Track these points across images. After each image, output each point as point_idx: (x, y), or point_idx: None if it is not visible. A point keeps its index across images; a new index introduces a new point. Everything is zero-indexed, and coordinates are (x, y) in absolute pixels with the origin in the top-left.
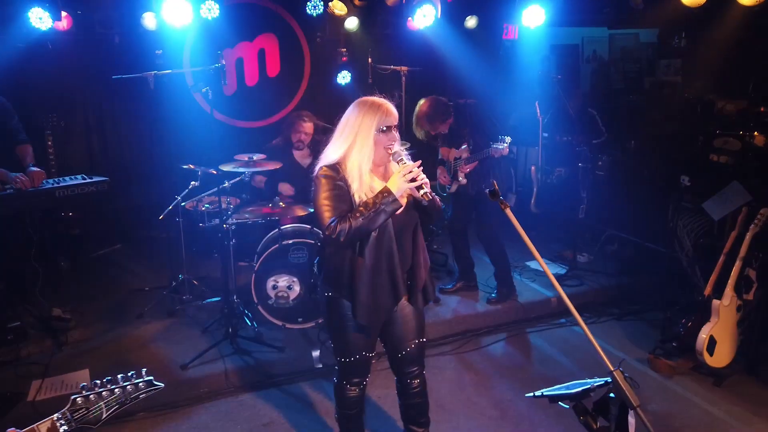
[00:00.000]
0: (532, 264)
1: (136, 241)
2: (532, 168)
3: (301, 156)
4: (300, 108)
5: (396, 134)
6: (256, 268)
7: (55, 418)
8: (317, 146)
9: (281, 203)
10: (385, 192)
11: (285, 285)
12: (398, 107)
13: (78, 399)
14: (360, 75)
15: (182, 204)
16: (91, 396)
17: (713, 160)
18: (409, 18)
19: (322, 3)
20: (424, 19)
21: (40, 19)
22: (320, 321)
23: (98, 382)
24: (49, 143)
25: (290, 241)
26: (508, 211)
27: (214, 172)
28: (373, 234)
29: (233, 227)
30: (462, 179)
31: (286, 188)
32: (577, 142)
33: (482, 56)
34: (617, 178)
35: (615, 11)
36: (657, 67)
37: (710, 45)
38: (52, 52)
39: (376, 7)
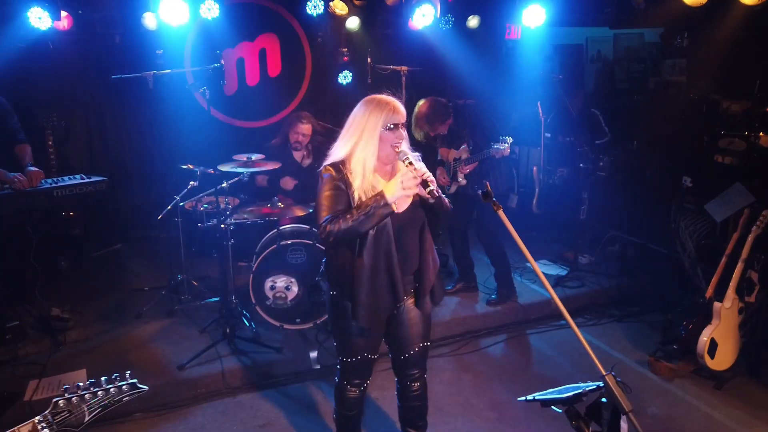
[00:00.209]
0: None
1: (136, 240)
2: (534, 168)
3: (299, 156)
4: (301, 108)
5: (403, 133)
6: (254, 269)
7: (36, 421)
8: (318, 147)
9: (280, 204)
10: (379, 196)
11: (283, 286)
12: None
13: (60, 402)
14: (361, 75)
15: (181, 204)
16: (74, 399)
17: (718, 161)
18: (410, 18)
19: (322, 3)
20: (423, 18)
21: (39, 18)
22: (318, 322)
23: (81, 384)
24: (50, 143)
25: (288, 242)
26: (501, 213)
27: (213, 172)
28: (372, 233)
29: (232, 227)
30: (461, 180)
31: (287, 181)
32: (580, 142)
33: (484, 56)
34: (619, 179)
35: (616, 11)
36: (662, 67)
37: (714, 45)
38: (53, 52)
39: (376, 6)
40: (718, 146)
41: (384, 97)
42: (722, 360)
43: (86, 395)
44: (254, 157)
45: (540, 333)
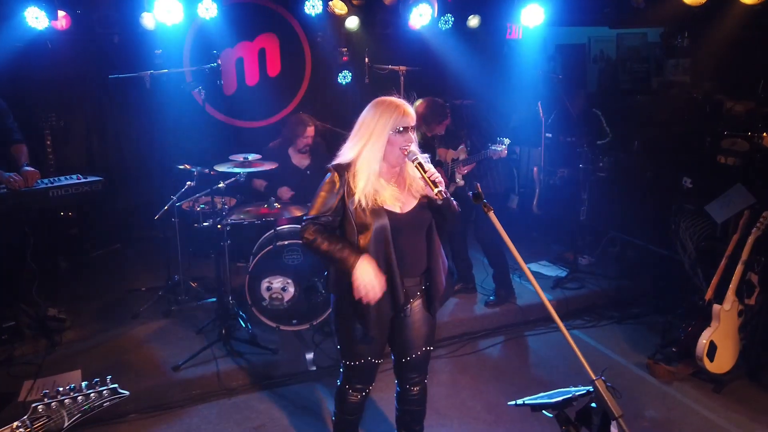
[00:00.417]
0: (533, 266)
1: (134, 241)
2: (535, 169)
3: (299, 158)
4: (301, 107)
5: (413, 136)
6: (249, 269)
7: (15, 426)
8: (315, 148)
9: (276, 204)
10: (352, 261)
11: (279, 286)
12: None
13: (39, 407)
14: (360, 75)
15: (178, 204)
16: (53, 404)
17: (720, 162)
18: (408, 18)
19: (321, 2)
20: (420, 18)
21: (36, 18)
22: (315, 323)
23: (61, 389)
24: (48, 143)
25: (285, 243)
26: (492, 215)
27: (211, 173)
28: (370, 236)
29: (228, 228)
30: (459, 181)
31: (284, 192)
32: (581, 143)
33: (485, 56)
34: (619, 180)
35: (616, 10)
36: (665, 67)
37: (717, 44)
38: (52, 52)
39: (375, 6)
40: (721, 147)
41: (393, 99)
42: (721, 363)
43: (66, 400)
44: (251, 157)
45: (538, 335)
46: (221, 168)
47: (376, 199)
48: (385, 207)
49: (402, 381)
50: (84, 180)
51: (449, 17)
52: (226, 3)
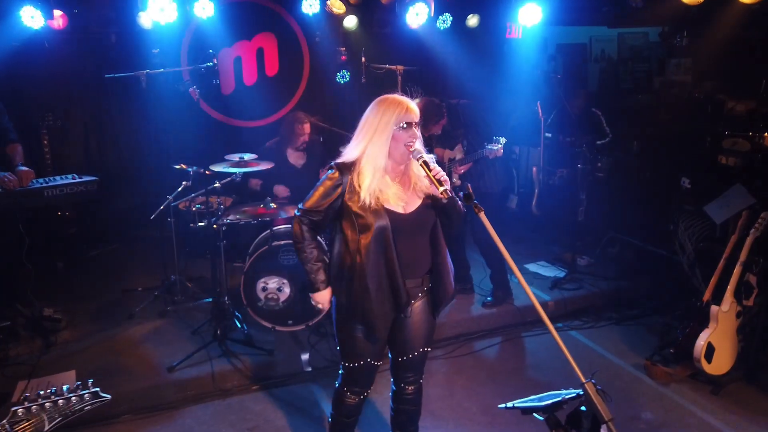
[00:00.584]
0: (531, 267)
1: (132, 240)
2: (534, 169)
3: (296, 157)
4: (299, 107)
5: (417, 132)
6: (245, 270)
7: None
8: (312, 146)
9: (272, 204)
10: (318, 287)
11: (275, 287)
12: None
13: (19, 410)
14: (359, 74)
15: (174, 204)
16: (33, 407)
17: (722, 162)
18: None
19: (319, 2)
20: (417, 17)
21: (32, 17)
22: (310, 324)
23: (41, 392)
24: (45, 142)
25: (280, 243)
26: (482, 216)
27: (207, 173)
28: (370, 236)
29: (224, 228)
30: (456, 180)
31: (281, 190)
32: (580, 143)
33: (484, 55)
34: (617, 180)
35: (614, 10)
36: (667, 66)
37: (718, 44)
38: (49, 51)
39: (373, 5)
40: (722, 147)
41: (396, 96)
42: (719, 365)
43: (46, 404)
44: (247, 156)
45: (535, 336)
46: (217, 168)
47: (378, 198)
48: (388, 207)
49: (398, 380)
50: (79, 180)
51: (447, 16)
52: (224, 2)
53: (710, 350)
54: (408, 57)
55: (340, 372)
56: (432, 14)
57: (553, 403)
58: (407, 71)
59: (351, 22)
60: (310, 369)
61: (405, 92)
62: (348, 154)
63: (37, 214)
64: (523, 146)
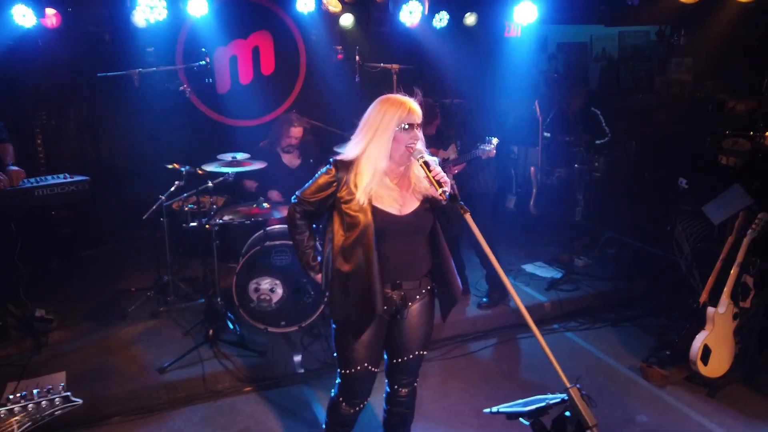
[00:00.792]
0: (527, 267)
1: (127, 240)
2: (532, 169)
3: (289, 159)
4: (296, 106)
5: (418, 133)
6: (237, 271)
7: None
8: (307, 147)
9: (265, 204)
10: (314, 267)
11: (267, 288)
12: None
13: None
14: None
15: (167, 204)
16: (2, 412)
17: (722, 162)
18: (398, 15)
19: (314, 0)
20: (410, 16)
21: (23, 16)
22: (303, 325)
23: (11, 397)
24: (39, 141)
25: (273, 243)
26: (468, 217)
27: (200, 172)
28: (354, 236)
29: (216, 228)
30: (451, 181)
31: (274, 195)
32: (578, 142)
33: (482, 54)
34: (615, 180)
35: (611, 8)
36: (668, 65)
37: (718, 43)
38: (42, 50)
39: (368, 4)
40: (722, 147)
41: (398, 96)
42: (716, 367)
43: (15, 408)
44: (239, 156)
45: (531, 337)
46: (209, 167)
47: (371, 199)
48: (382, 208)
49: (392, 382)
50: (70, 180)
51: (444, 15)
52: (219, 0)
53: (706, 352)
54: (406, 56)
55: (336, 381)
56: (426, 12)
57: (537, 408)
58: (403, 70)
59: (347, 20)
60: (302, 371)
61: (405, 91)
62: (348, 152)
63: (30, 213)
64: (522, 146)
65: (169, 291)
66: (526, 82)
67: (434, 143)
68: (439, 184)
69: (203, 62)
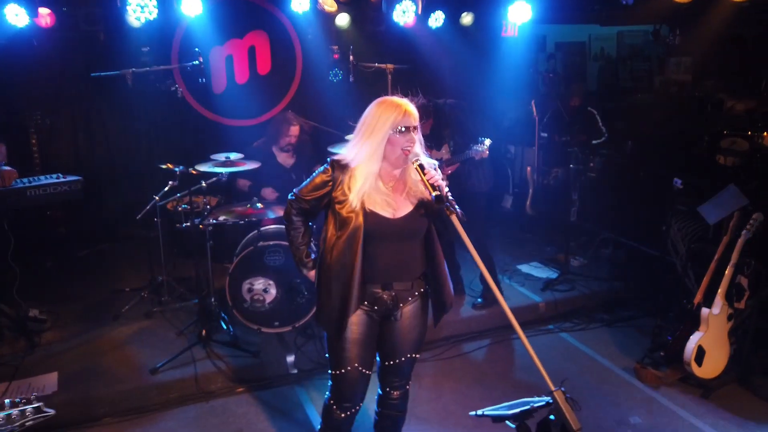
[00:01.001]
0: (523, 267)
1: (123, 240)
2: (528, 169)
3: (284, 157)
4: (292, 105)
5: (415, 136)
6: (230, 271)
7: None
8: (302, 146)
9: (259, 204)
10: (306, 263)
11: (261, 288)
12: None
13: None
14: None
15: (161, 204)
16: None
17: (720, 162)
18: (392, 15)
19: (309, 0)
20: (404, 15)
21: (16, 15)
22: (297, 325)
23: None
24: (33, 141)
25: (267, 243)
26: (454, 218)
27: (194, 172)
28: (344, 236)
29: (210, 228)
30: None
31: (268, 193)
32: (575, 142)
33: (479, 54)
34: (611, 180)
35: (606, 7)
36: (667, 65)
37: (712, 42)
38: (37, 49)
39: (364, 3)
40: (721, 146)
41: (395, 99)
42: (710, 368)
43: None
44: (233, 156)
45: (526, 337)
46: (202, 168)
47: (365, 201)
48: (375, 211)
49: (384, 384)
50: (63, 179)
51: (440, 14)
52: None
53: (701, 353)
54: (402, 55)
55: (329, 383)
56: (419, 12)
57: (522, 411)
58: (398, 70)
59: (343, 20)
60: (295, 371)
61: (402, 93)
62: (345, 154)
63: (25, 213)
64: (518, 146)
65: (164, 291)
66: (524, 82)
67: (429, 143)
68: (433, 187)
69: (196, 62)
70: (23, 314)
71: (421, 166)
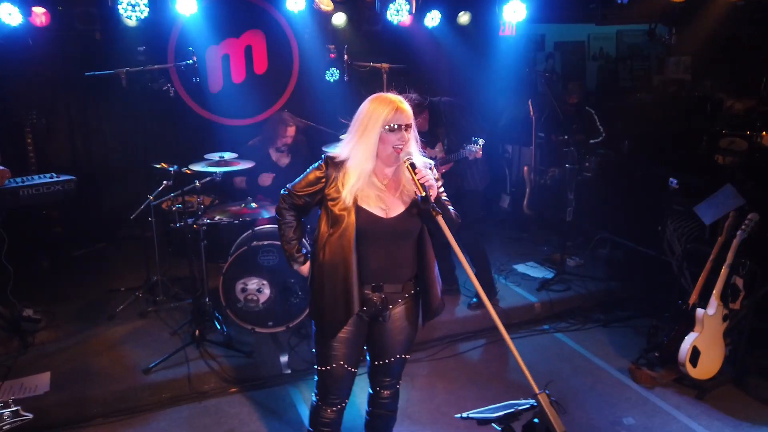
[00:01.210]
0: (519, 267)
1: (118, 240)
2: (525, 168)
3: (279, 157)
4: (289, 105)
5: (408, 135)
6: (224, 271)
7: None
8: (297, 146)
9: (253, 204)
10: (297, 258)
11: (255, 288)
12: None
13: None
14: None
15: (156, 203)
16: None
17: (719, 162)
18: (387, 14)
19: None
20: (397, 14)
21: (9, 14)
22: (291, 325)
23: None
24: (29, 141)
25: (261, 243)
26: (440, 219)
27: (188, 172)
28: (337, 234)
29: (204, 228)
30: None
31: (265, 178)
32: (572, 142)
33: (477, 53)
34: (607, 180)
35: (602, 6)
36: (666, 64)
37: (709, 41)
38: (33, 48)
39: (360, 2)
40: (719, 146)
41: (388, 96)
42: (705, 369)
43: None
44: (227, 155)
45: (521, 338)
46: (196, 167)
47: (357, 199)
48: (367, 209)
49: (374, 384)
50: (56, 179)
51: (436, 13)
52: None
53: (695, 354)
54: (399, 55)
55: (315, 379)
56: (413, 11)
57: (506, 414)
58: (393, 69)
59: (340, 19)
60: (289, 371)
61: (397, 89)
62: (339, 151)
63: (19, 213)
64: (516, 145)
65: (158, 291)
66: (521, 81)
67: (422, 139)
68: (423, 187)
69: (190, 61)
70: (17, 314)
71: (413, 165)
